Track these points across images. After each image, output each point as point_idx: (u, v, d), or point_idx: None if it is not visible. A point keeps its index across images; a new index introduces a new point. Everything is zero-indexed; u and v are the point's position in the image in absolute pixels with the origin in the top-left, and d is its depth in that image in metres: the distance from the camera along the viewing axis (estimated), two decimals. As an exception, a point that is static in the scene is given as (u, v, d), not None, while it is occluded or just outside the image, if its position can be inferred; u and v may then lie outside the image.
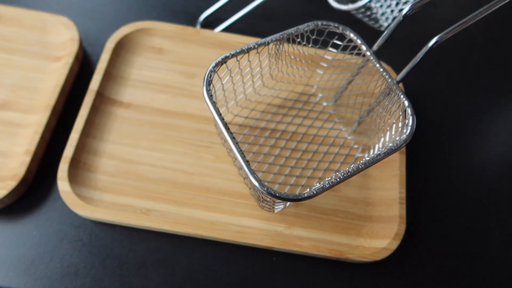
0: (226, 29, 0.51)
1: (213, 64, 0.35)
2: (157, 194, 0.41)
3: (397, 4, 0.55)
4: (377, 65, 0.38)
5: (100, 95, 0.44)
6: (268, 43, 0.37)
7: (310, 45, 0.41)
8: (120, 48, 0.47)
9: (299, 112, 0.46)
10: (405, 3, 0.55)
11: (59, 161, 0.40)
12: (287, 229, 0.40)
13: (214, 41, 0.48)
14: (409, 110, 0.35)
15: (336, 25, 0.39)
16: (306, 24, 0.39)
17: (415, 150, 0.46)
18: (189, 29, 0.48)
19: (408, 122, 0.35)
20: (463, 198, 0.45)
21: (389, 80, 0.37)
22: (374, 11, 0.53)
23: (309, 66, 0.46)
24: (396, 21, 0.37)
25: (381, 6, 0.55)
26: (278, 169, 0.43)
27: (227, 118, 0.44)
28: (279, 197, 0.31)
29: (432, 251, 0.42)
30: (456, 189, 0.45)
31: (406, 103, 0.36)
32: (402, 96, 0.36)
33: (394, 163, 0.43)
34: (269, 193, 0.30)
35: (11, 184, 0.38)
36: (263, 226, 0.40)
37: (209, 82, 0.34)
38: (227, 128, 0.32)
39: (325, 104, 0.47)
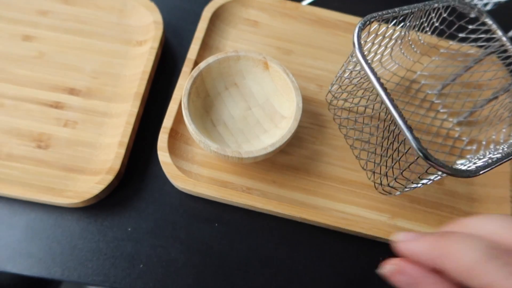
0: (313, 4, 0.49)
1: (361, 22, 0.32)
2: (255, 173, 0.39)
3: None
4: None
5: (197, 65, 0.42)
6: (412, 12, 0.34)
7: (437, 24, 0.38)
8: (216, 17, 0.45)
9: (401, 97, 0.43)
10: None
11: (151, 152, 0.38)
12: (391, 220, 0.38)
13: (312, 17, 0.46)
14: None
15: (472, 5, 0.36)
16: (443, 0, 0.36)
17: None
18: (288, 3, 0.46)
19: None
20: None
21: None
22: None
23: (422, 50, 0.43)
24: None
25: None
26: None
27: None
28: (449, 171, 0.28)
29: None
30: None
31: None
32: None
33: (503, 159, 0.41)
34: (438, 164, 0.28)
35: (108, 178, 0.36)
36: (367, 215, 0.38)
37: (359, 40, 0.31)
38: (385, 90, 0.29)
39: (428, 92, 0.44)
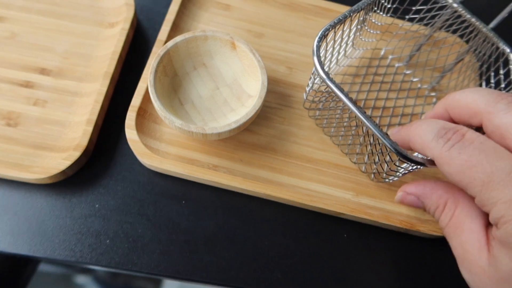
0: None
1: (317, 39, 0.33)
2: (223, 151, 0.39)
3: None
4: (467, 15, 0.37)
5: (167, 47, 0.42)
6: (361, 8, 0.36)
7: (389, 5, 0.39)
8: (188, 1, 0.45)
9: (375, 78, 0.44)
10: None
11: (120, 131, 0.39)
12: (355, 197, 0.39)
13: (284, 2, 0.47)
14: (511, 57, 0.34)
15: None
16: None
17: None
18: (259, -13, 0.46)
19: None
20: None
21: (484, 28, 0.36)
22: None
23: (382, 28, 0.44)
24: None
25: None
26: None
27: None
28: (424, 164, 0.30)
29: None
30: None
31: (507, 49, 0.35)
32: (501, 43, 0.35)
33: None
34: (415, 161, 0.30)
35: (75, 154, 0.36)
36: (332, 192, 0.39)
37: (319, 58, 0.33)
38: (351, 100, 0.32)
39: (397, 65, 0.45)
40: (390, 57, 0.45)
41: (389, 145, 0.30)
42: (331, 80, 0.32)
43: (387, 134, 0.31)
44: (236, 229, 0.38)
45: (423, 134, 0.28)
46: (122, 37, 0.42)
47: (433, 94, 0.44)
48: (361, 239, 0.39)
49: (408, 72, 0.45)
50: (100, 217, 0.38)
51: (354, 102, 0.31)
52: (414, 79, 0.45)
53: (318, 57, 0.33)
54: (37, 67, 0.41)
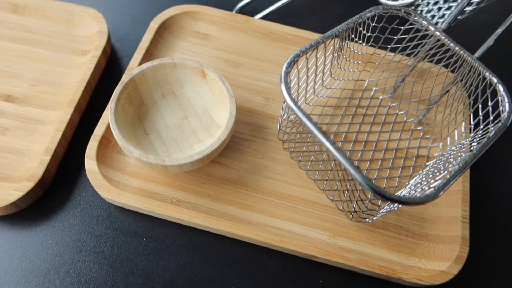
0: (266, 18, 0.48)
1: (286, 65, 0.31)
2: (189, 185, 0.37)
3: (445, 1, 0.51)
4: (452, 44, 0.35)
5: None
6: (336, 35, 0.34)
7: (369, 34, 0.37)
8: (164, 29, 0.44)
9: (357, 110, 0.42)
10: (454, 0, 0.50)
11: (82, 161, 0.37)
12: (332, 238, 0.36)
13: (262, 31, 0.45)
14: (500, 87, 0.32)
15: (398, 8, 0.35)
16: (367, 10, 0.36)
17: (479, 162, 0.42)
18: (238, 16, 0.45)
19: (502, 100, 0.32)
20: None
21: (468, 57, 0.34)
22: (421, 8, 0.49)
23: (363, 59, 0.42)
24: None
25: (428, 3, 0.50)
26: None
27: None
28: (405, 202, 0.27)
29: (499, 277, 0.37)
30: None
31: (494, 79, 0.32)
32: (487, 73, 0.33)
33: (456, 177, 0.38)
34: (393, 199, 0.26)
35: (28, 185, 0.34)
36: (305, 232, 0.36)
37: (287, 85, 0.30)
38: (324, 134, 0.28)
39: (381, 97, 0.43)
40: (374, 88, 0.43)
41: (360, 179, 0.27)
42: (298, 107, 0.30)
43: (358, 167, 0.28)
44: (200, 271, 0.35)
45: None
46: (91, 65, 0.40)
47: (419, 128, 0.41)
48: (338, 285, 0.35)
49: (393, 104, 0.42)
50: (52, 254, 0.34)
51: (322, 131, 0.29)
52: (400, 112, 0.42)
53: (286, 83, 0.31)
54: (2, 94, 0.40)
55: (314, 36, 0.45)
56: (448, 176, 0.28)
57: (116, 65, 0.44)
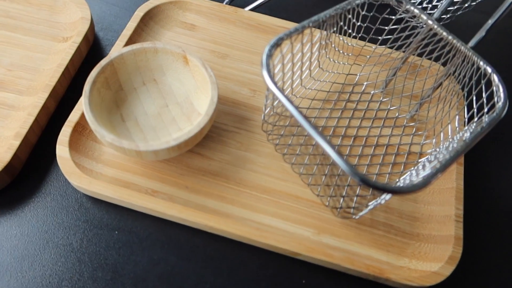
0: (255, 10, 0.47)
1: (268, 47, 0.29)
2: (167, 176, 0.35)
3: None
4: (444, 33, 0.33)
5: (120, 62, 0.39)
6: (323, 20, 0.32)
7: (359, 23, 0.36)
8: (149, 18, 0.43)
9: (347, 104, 0.40)
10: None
11: (55, 149, 0.34)
12: (316, 235, 0.33)
13: (251, 22, 0.44)
14: (495, 77, 0.30)
15: None
16: None
17: (474, 159, 0.40)
18: (226, 7, 0.44)
19: (497, 90, 0.30)
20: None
21: (462, 47, 0.32)
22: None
23: (354, 51, 0.40)
24: None
25: None
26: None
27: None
28: (391, 190, 0.25)
29: (493, 278, 0.34)
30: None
31: (489, 69, 0.31)
32: (482, 63, 0.31)
33: (449, 174, 0.36)
34: (379, 187, 0.25)
35: None
36: (288, 228, 0.33)
37: (269, 69, 0.29)
38: (308, 121, 0.27)
39: (372, 92, 0.41)
40: (365, 83, 0.41)
41: (343, 166, 0.25)
42: (281, 91, 0.28)
43: (343, 155, 0.26)
44: (174, 267, 0.32)
45: None
46: (71, 50, 0.39)
47: (412, 124, 0.40)
48: (322, 286, 0.33)
49: (384, 99, 0.41)
50: (17, 245, 0.32)
51: (305, 117, 0.27)
52: (392, 108, 0.40)
53: (268, 67, 0.29)
54: (-23, 78, 0.38)
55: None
56: (438, 166, 0.26)
57: (99, 54, 0.43)
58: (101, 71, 0.34)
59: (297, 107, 0.27)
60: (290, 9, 0.49)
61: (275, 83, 0.28)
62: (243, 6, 0.47)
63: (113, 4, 0.47)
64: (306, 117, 0.27)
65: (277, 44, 0.30)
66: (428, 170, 0.28)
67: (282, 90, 0.28)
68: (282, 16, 0.46)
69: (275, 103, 0.33)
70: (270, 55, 0.29)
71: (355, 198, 0.32)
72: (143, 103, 0.36)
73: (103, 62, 0.34)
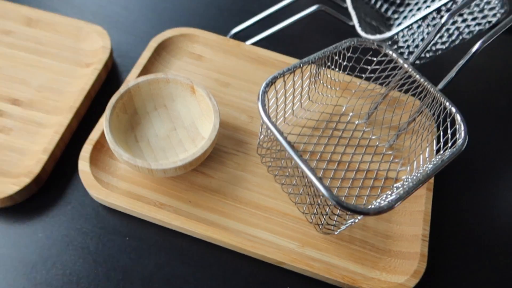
0: (256, 44, 0.52)
1: (264, 85, 0.35)
2: (173, 191, 0.40)
3: (423, 39, 0.54)
4: (417, 76, 0.39)
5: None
6: (312, 62, 0.38)
7: (345, 63, 0.41)
8: (162, 48, 0.48)
9: (334, 132, 0.45)
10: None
11: (77, 163, 0.40)
12: (300, 248, 0.38)
13: (252, 55, 0.49)
14: (458, 116, 0.36)
15: (371, 40, 0.40)
16: (343, 41, 0.40)
17: (441, 185, 0.45)
18: (231, 41, 0.50)
19: (459, 128, 0.36)
20: (491, 242, 0.42)
21: (432, 89, 0.38)
22: (400, 44, 0.53)
23: (341, 86, 0.46)
24: (435, 29, 0.37)
25: (406, 40, 0.54)
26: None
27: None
28: (360, 212, 0.30)
29: (452, 298, 0.39)
30: (484, 231, 0.43)
31: (453, 109, 0.36)
32: (447, 103, 0.37)
33: (419, 198, 0.41)
34: (349, 209, 0.30)
35: (24, 180, 0.37)
36: (277, 241, 0.38)
37: (263, 103, 0.34)
38: (292, 146, 0.32)
39: (357, 122, 0.46)
40: (350, 114, 0.47)
41: (320, 188, 0.30)
42: (272, 123, 0.33)
43: (321, 178, 0.31)
44: (176, 270, 0.37)
45: None
46: (93, 76, 0.44)
47: (390, 152, 0.45)
48: (304, 293, 0.38)
49: (367, 129, 0.46)
50: (41, 247, 0.37)
51: (291, 145, 0.32)
52: (373, 137, 0.46)
53: (263, 101, 0.34)
54: (10, 98, 0.44)
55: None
56: (401, 192, 0.32)
57: (116, 78, 0.48)
58: (120, 98, 0.39)
59: (285, 138, 0.33)
60: (286, 42, 0.54)
61: (268, 116, 0.33)
62: (244, 39, 0.52)
63: (129, 33, 0.52)
64: (292, 147, 0.32)
65: (271, 82, 0.36)
66: (394, 196, 0.33)
67: (273, 122, 0.33)
68: (279, 49, 0.51)
69: (268, 131, 0.38)
70: (265, 91, 0.35)
71: (335, 217, 0.37)
72: (155, 126, 0.41)
73: (121, 90, 0.39)
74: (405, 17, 0.58)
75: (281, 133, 0.33)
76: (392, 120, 0.45)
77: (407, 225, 0.40)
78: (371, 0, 0.58)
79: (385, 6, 0.59)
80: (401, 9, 0.58)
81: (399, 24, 0.58)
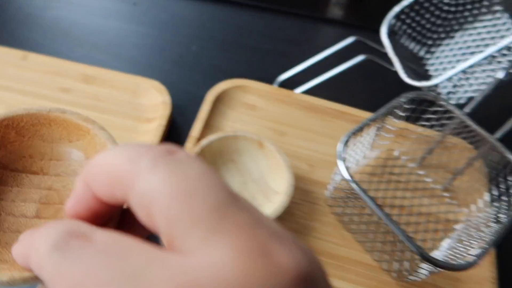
0: (305, 92, 0.54)
1: (341, 145, 0.37)
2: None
3: (471, 85, 0.58)
4: (474, 126, 0.40)
5: (199, 142, 0.46)
6: (379, 117, 0.40)
7: (404, 114, 0.44)
8: (218, 101, 0.50)
9: (391, 177, 0.47)
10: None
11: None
12: (377, 296, 0.40)
13: (304, 104, 0.51)
14: None
15: (427, 93, 0.42)
16: (404, 95, 0.42)
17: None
18: (283, 91, 0.52)
19: None
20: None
21: (490, 138, 0.40)
22: (441, 90, 0.56)
23: (396, 132, 0.48)
24: (491, 85, 0.40)
25: (446, 87, 0.57)
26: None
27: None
28: (450, 268, 0.32)
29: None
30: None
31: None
32: (507, 154, 0.38)
33: (482, 240, 0.43)
34: (441, 266, 0.32)
35: None
36: (354, 290, 0.40)
37: (344, 165, 0.36)
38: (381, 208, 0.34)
39: (410, 165, 0.48)
40: (403, 158, 0.49)
41: (411, 246, 0.32)
42: (356, 183, 0.35)
43: (409, 236, 0.33)
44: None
45: (39, 246, 0.15)
46: (158, 133, 0.46)
47: (446, 194, 0.47)
48: None
49: (421, 172, 0.48)
50: None
51: (376, 203, 0.34)
52: (427, 179, 0.48)
53: (343, 160, 0.36)
54: (77, 157, 0.44)
55: (348, 110, 0.51)
56: (485, 246, 0.33)
57: (176, 131, 0.50)
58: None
59: (371, 197, 0.34)
60: (332, 87, 0.57)
61: (351, 176, 0.35)
62: (291, 86, 0.54)
63: (184, 86, 0.54)
64: (379, 206, 0.34)
65: (347, 141, 0.37)
66: (475, 247, 0.35)
67: (354, 178, 0.35)
68: (326, 95, 0.53)
69: (343, 183, 0.39)
70: (343, 150, 0.37)
71: (408, 263, 0.38)
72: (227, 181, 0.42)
73: (196, 149, 0.41)
74: (437, 57, 0.61)
75: (364, 192, 0.35)
76: (448, 164, 0.47)
77: (474, 268, 0.42)
78: (406, 43, 0.61)
79: (417, 47, 0.62)
80: (432, 49, 0.62)
81: (432, 64, 0.61)
